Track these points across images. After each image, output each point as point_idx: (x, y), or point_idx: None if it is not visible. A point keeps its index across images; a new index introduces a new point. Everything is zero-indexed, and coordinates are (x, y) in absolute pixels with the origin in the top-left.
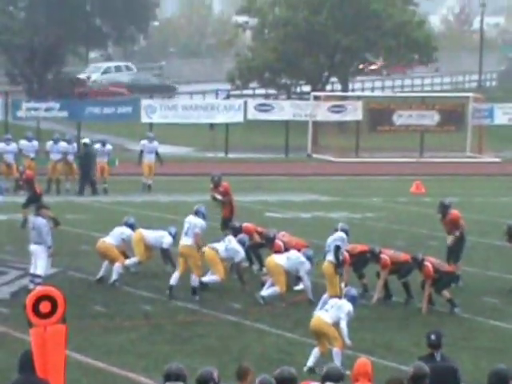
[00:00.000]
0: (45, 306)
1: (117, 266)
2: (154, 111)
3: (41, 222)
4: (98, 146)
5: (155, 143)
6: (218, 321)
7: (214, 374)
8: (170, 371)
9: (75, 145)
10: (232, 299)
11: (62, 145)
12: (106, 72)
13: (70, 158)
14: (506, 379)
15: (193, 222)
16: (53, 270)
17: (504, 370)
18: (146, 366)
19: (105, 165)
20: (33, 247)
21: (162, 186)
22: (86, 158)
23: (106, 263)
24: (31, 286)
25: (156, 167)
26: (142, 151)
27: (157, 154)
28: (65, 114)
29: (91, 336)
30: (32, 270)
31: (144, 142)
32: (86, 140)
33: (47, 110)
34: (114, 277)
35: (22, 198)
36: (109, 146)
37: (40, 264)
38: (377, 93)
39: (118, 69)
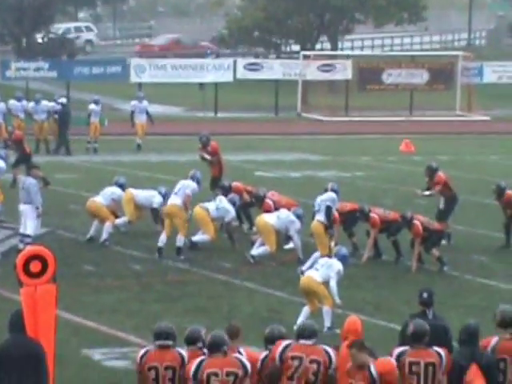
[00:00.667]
0: (35, 266)
1: (107, 226)
2: (144, 71)
3: (31, 181)
4: (92, 105)
5: (145, 103)
6: (208, 280)
7: (201, 333)
8: (160, 330)
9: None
10: (222, 258)
11: (45, 104)
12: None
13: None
14: (475, 334)
15: (186, 183)
16: (42, 229)
17: (473, 325)
18: (136, 325)
19: (97, 124)
20: (22, 207)
21: (152, 145)
22: (62, 117)
23: (95, 223)
24: (21, 245)
25: (147, 127)
26: (132, 112)
27: (147, 113)
28: (54, 73)
29: (81, 295)
30: (22, 230)
31: (134, 102)
32: (62, 99)
33: (36, 69)
34: (104, 236)
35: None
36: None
37: (29, 224)
38: (366, 52)
39: (77, 29)
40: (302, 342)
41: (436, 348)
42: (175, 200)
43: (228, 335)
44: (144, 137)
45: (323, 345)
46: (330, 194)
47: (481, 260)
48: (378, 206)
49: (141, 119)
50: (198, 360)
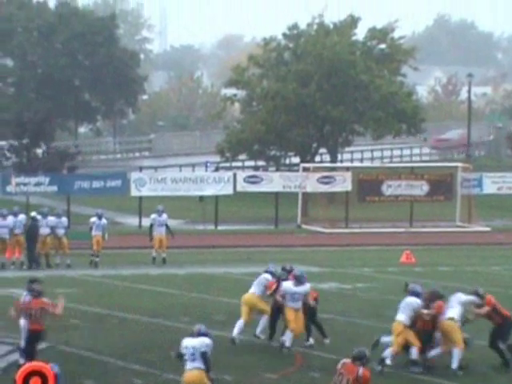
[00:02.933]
0: (35, 381)
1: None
2: (144, 184)
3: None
4: (94, 219)
5: (164, 216)
6: None
7: None
8: None
9: (65, 219)
10: (222, 370)
11: (51, 219)
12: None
13: (60, 232)
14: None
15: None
16: (43, 344)
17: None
18: None
19: (100, 238)
20: (23, 322)
21: (150, 258)
22: (30, 231)
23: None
24: (21, 361)
25: (167, 240)
26: (151, 225)
27: (167, 226)
28: (54, 188)
29: None
30: (22, 345)
31: (154, 215)
32: (33, 213)
33: (37, 184)
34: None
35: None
36: (104, 220)
37: None
38: (366, 163)
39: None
40: None
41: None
42: None
43: None
44: (165, 250)
45: None
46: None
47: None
48: (381, 318)
49: (160, 232)
50: None
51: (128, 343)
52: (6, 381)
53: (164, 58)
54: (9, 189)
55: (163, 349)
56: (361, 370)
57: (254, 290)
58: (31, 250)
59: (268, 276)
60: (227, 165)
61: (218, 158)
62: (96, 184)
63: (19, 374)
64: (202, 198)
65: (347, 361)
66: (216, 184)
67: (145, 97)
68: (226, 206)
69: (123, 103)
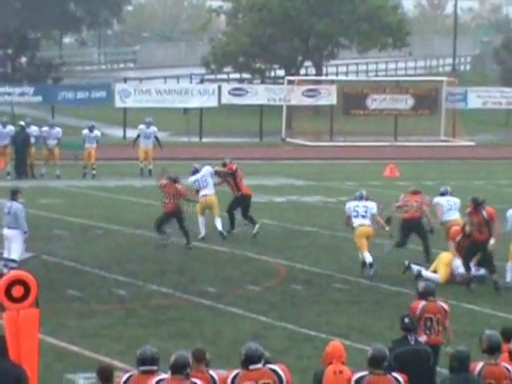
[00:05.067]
0: (17, 291)
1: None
2: (128, 95)
3: (17, 206)
4: (85, 131)
5: (152, 128)
6: (191, 305)
7: (188, 359)
8: (144, 355)
9: (58, 129)
10: (206, 283)
11: (34, 129)
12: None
13: (52, 142)
14: (467, 360)
15: None
16: (27, 254)
17: (465, 351)
18: (120, 350)
19: (92, 150)
20: (7, 232)
21: (136, 170)
22: (19, 141)
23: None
24: (5, 270)
25: (154, 152)
26: (138, 136)
27: (156, 138)
28: (39, 98)
29: (65, 320)
30: (6, 255)
31: (141, 126)
32: (22, 122)
33: (21, 94)
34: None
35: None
36: (97, 132)
37: (15, 248)
38: (351, 77)
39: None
40: (251, 367)
41: (395, 374)
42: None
43: (194, 358)
44: (152, 162)
45: (269, 365)
46: None
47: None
48: None
49: (146, 144)
50: None
51: (112, 254)
52: None
53: None
54: None
55: (146, 260)
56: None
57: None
58: (20, 160)
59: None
60: (212, 77)
61: (203, 70)
62: (81, 95)
63: (1, 283)
64: (186, 109)
65: (425, 302)
66: (201, 96)
67: (130, 8)
68: (210, 118)
69: (108, 13)
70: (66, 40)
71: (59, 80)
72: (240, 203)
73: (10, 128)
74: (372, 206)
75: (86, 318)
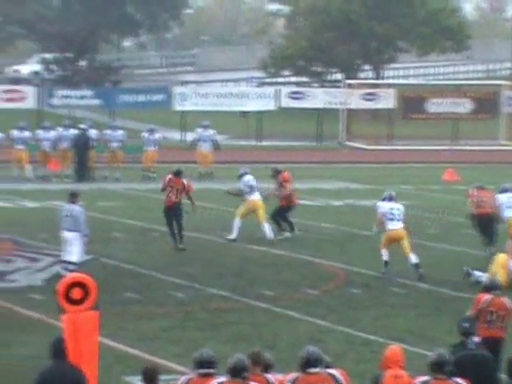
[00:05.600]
0: (77, 293)
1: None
2: (187, 99)
3: (77, 209)
4: (145, 134)
5: (210, 131)
6: (249, 308)
7: (246, 363)
8: (202, 358)
9: (121, 132)
10: (263, 286)
11: (94, 132)
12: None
13: (114, 145)
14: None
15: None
16: (86, 257)
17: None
18: (178, 353)
19: (151, 153)
20: (67, 234)
21: (193, 173)
22: (79, 144)
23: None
24: (64, 272)
25: (213, 155)
26: (196, 139)
27: (215, 141)
28: (98, 101)
29: (123, 322)
30: (65, 257)
31: (199, 130)
32: (83, 125)
33: (81, 97)
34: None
35: (54, 186)
36: (157, 135)
37: (75, 251)
38: (409, 80)
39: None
40: (309, 370)
41: (457, 379)
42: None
43: (251, 361)
44: (211, 165)
45: (328, 370)
46: None
47: None
48: (422, 235)
49: (204, 147)
50: None
51: (169, 257)
52: (49, 291)
53: None
54: (53, 102)
55: (204, 263)
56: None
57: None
58: (81, 163)
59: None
60: (270, 80)
61: (261, 74)
62: (139, 98)
63: (61, 285)
64: (244, 113)
65: (490, 295)
66: (259, 99)
67: (189, 11)
68: (268, 121)
69: (167, 17)
70: (126, 43)
71: (118, 83)
72: (285, 209)
73: (72, 131)
74: (401, 207)
75: (145, 321)
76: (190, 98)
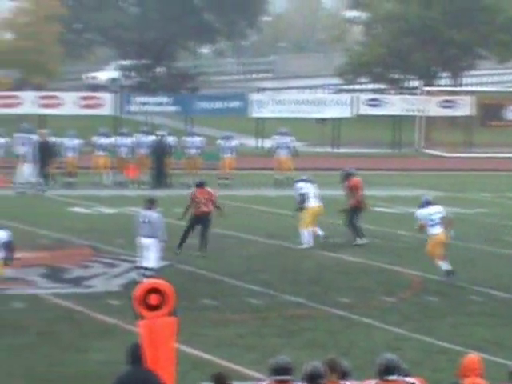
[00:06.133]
0: (154, 299)
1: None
2: (264, 105)
3: (155, 215)
4: (221, 141)
5: (287, 138)
6: (325, 315)
7: (322, 370)
8: (278, 364)
9: (199, 139)
10: (340, 293)
11: (171, 139)
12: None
13: (192, 151)
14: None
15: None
16: (162, 263)
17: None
18: (254, 359)
19: (228, 160)
20: (145, 240)
21: (269, 179)
22: (159, 150)
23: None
24: (141, 278)
25: (292, 161)
26: (274, 146)
27: (292, 148)
28: (175, 108)
29: (200, 329)
30: (142, 263)
31: (277, 137)
32: (161, 132)
33: (158, 104)
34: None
35: (131, 192)
36: (234, 142)
37: (152, 257)
38: (488, 88)
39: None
40: (387, 378)
41: None
42: None
43: (327, 368)
44: (288, 172)
45: (405, 378)
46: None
47: None
48: (500, 243)
49: (282, 154)
50: None
51: (245, 264)
52: (126, 297)
53: None
54: (131, 108)
55: (279, 269)
56: None
57: None
58: (159, 169)
59: None
60: (347, 87)
61: (338, 81)
62: (216, 104)
63: (138, 291)
64: (321, 120)
65: None
66: (336, 106)
67: (267, 18)
68: (345, 128)
69: (245, 24)
70: (203, 50)
71: (195, 90)
72: (357, 212)
73: (149, 138)
74: (441, 210)
75: (221, 327)
76: (266, 105)
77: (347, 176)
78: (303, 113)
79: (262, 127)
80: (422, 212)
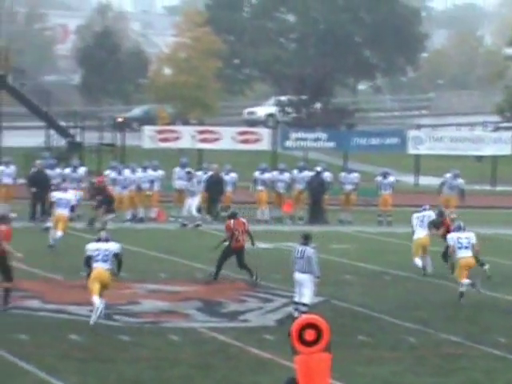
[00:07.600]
0: (310, 334)
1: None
2: (421, 142)
3: (310, 251)
4: (379, 178)
5: (459, 180)
6: (483, 354)
7: None
8: None
9: (355, 175)
10: (498, 333)
11: (327, 174)
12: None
13: (348, 187)
14: None
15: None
16: (317, 298)
17: None
18: None
19: (387, 197)
20: (299, 276)
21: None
22: (315, 185)
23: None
24: (296, 314)
25: (458, 201)
26: (442, 184)
27: (460, 190)
28: (332, 144)
29: (355, 366)
30: (297, 299)
31: (448, 175)
32: (318, 168)
33: (315, 140)
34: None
35: (287, 227)
36: (391, 178)
37: (307, 293)
38: None
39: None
40: None
41: None
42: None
43: None
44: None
45: None
46: None
47: None
48: None
49: (449, 193)
50: None
51: (401, 300)
52: (281, 332)
53: (446, 15)
54: (288, 144)
55: (436, 307)
56: None
57: None
58: (316, 205)
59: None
60: (507, 125)
61: (497, 118)
62: (373, 141)
63: (295, 326)
64: (480, 157)
65: None
66: (494, 144)
67: (425, 54)
68: (504, 166)
69: (403, 61)
70: (361, 87)
71: (353, 126)
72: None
73: (306, 173)
74: (472, 236)
75: (376, 365)
76: (424, 142)
77: (442, 214)
78: (461, 150)
79: (418, 164)
80: (452, 236)
